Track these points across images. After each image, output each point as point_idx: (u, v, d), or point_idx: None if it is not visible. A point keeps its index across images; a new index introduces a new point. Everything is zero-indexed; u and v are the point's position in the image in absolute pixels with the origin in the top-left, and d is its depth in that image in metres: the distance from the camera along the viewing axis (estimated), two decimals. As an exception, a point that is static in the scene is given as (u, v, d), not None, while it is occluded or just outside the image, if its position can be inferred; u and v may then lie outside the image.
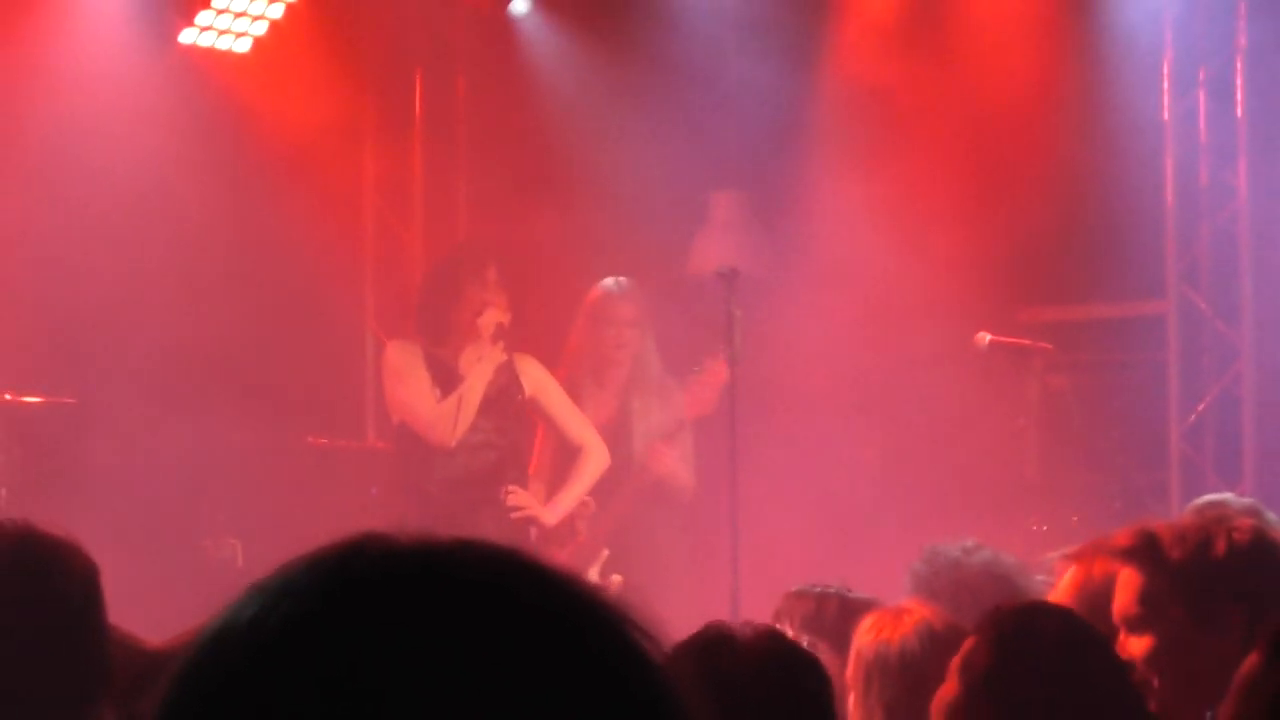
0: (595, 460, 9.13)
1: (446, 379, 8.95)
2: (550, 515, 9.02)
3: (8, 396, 9.05)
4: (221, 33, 10.41)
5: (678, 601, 8.11)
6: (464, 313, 8.90)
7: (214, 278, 10.14)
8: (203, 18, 10.31)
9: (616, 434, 9.19)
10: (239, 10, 10.37)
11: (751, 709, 3.23)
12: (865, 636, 4.55)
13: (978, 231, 9.87)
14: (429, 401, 8.95)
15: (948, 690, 3.68)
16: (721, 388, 8.91)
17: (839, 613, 5.38)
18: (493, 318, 8.86)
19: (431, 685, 1.15)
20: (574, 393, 9.17)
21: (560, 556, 8.48)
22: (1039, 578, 5.88)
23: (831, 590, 5.56)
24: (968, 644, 3.70)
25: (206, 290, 10.08)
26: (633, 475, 9.14)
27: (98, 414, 9.28)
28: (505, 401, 9.05)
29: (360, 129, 11.13)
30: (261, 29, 10.47)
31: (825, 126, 10.42)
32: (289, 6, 10.44)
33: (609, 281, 9.24)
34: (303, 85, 10.56)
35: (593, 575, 8.75)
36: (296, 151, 10.44)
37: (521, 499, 9.01)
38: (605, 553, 8.93)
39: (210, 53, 10.44)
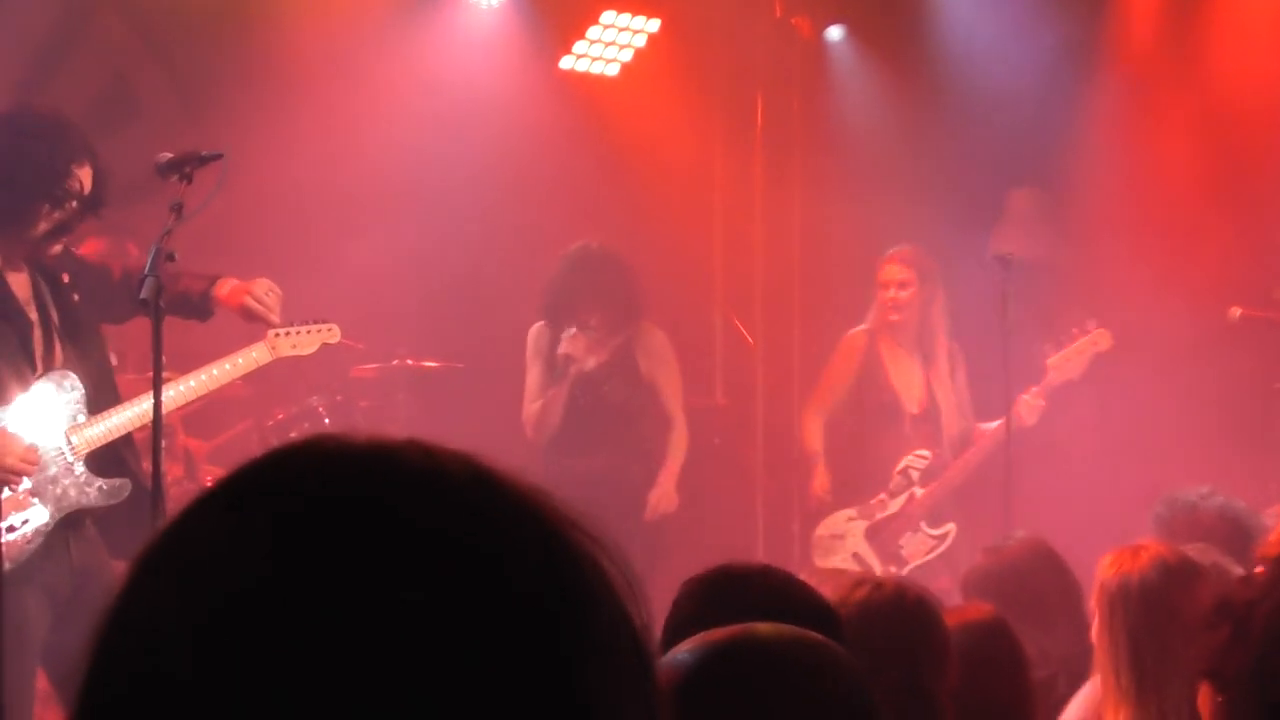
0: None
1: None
2: None
3: (409, 361, 9.78)
4: (594, 59, 11.47)
5: None
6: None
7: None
8: (579, 46, 11.40)
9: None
10: (609, 40, 11.39)
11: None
12: (1108, 570, 4.63)
13: (1240, 219, 10.33)
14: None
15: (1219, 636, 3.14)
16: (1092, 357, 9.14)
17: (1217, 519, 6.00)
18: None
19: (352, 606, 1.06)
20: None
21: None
22: (1267, 521, 6.18)
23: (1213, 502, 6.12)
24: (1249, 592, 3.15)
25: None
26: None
27: (483, 377, 10.00)
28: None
29: (710, 138, 11.81)
30: (628, 56, 11.46)
31: (1102, 130, 10.80)
32: (650, 37, 11.41)
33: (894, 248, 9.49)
34: (663, 102, 11.43)
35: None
36: (657, 157, 11.29)
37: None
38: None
39: (585, 76, 11.48)
